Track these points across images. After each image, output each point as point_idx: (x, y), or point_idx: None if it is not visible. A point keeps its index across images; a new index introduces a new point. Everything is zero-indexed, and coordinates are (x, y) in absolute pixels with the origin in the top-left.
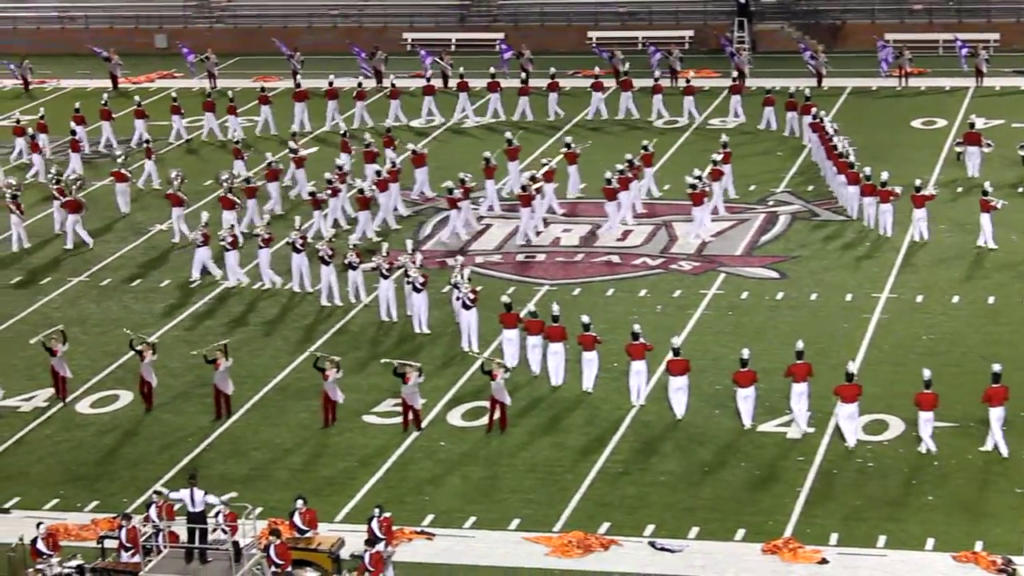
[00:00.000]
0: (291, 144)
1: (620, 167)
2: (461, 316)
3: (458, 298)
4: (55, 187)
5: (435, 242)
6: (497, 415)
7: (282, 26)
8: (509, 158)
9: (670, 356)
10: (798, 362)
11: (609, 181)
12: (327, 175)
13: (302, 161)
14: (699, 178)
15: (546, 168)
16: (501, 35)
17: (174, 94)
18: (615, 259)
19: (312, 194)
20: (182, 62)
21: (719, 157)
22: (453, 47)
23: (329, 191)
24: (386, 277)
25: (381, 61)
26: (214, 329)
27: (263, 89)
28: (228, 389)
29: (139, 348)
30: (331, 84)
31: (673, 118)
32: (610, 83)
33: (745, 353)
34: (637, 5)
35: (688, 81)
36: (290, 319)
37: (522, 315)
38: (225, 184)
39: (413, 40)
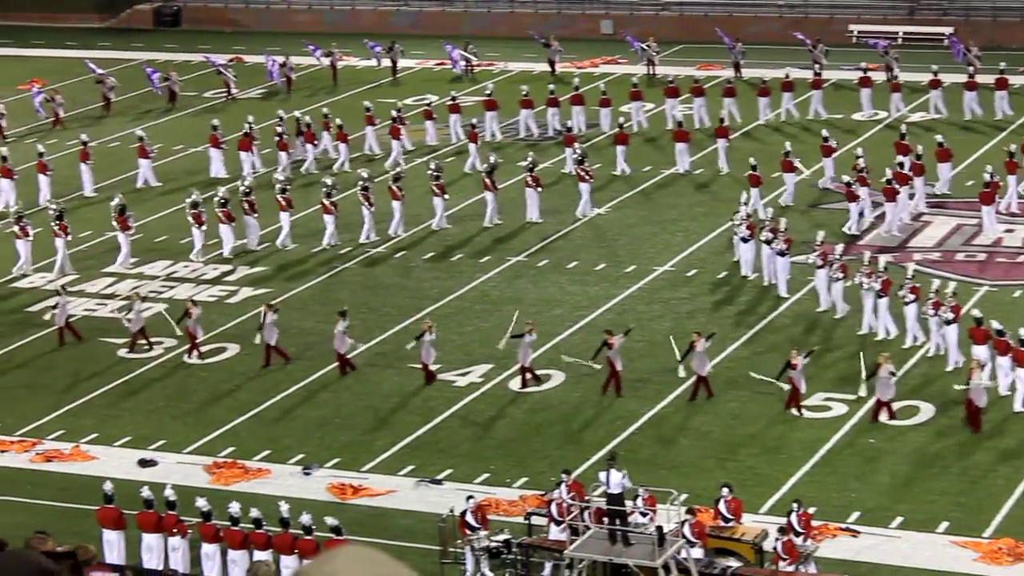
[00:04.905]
0: (825, 132)
1: None
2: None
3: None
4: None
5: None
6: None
7: (727, 15)
8: None
9: None
10: None
11: None
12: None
13: (831, 150)
14: None
15: None
16: (950, 29)
17: (635, 80)
18: None
19: (848, 184)
20: (626, 48)
21: None
22: (900, 40)
23: (858, 182)
24: (838, 280)
25: (822, 54)
26: (646, 314)
27: (696, 81)
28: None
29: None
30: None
31: None
32: None
33: None
34: None
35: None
36: (720, 307)
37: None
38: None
39: (859, 32)
